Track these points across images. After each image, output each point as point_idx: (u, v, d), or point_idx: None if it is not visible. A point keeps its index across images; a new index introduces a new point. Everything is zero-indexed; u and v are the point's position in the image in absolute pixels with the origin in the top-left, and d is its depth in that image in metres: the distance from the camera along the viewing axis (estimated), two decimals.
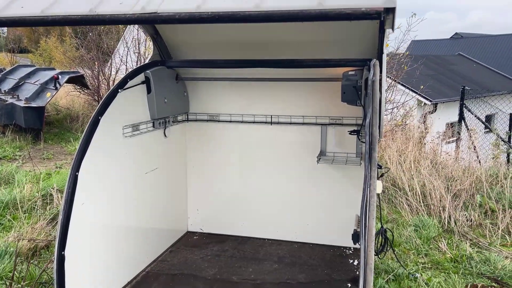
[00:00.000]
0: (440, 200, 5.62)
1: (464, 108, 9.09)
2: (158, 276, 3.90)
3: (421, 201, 5.69)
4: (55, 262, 2.84)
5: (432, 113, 15.15)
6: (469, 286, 3.91)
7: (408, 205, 5.71)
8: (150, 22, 2.20)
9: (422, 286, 3.83)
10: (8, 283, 3.33)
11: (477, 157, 8.00)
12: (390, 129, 7.68)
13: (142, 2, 2.20)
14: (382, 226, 4.04)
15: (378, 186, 3.79)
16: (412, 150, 6.80)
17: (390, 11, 1.99)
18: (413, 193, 5.84)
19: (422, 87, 9.12)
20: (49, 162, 8.34)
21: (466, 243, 4.79)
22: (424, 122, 14.18)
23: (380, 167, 2.85)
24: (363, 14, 1.93)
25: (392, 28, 2.39)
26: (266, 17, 2.03)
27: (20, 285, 3.31)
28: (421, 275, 4.09)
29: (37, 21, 2.31)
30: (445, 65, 20.45)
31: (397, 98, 9.88)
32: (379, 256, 4.06)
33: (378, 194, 4.25)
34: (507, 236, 5.08)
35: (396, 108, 8.81)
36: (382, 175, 2.84)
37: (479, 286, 3.91)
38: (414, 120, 8.59)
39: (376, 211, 4.97)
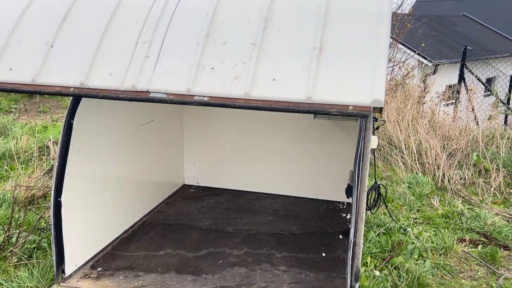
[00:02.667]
0: (435, 159, 5.66)
1: (465, 68, 8.96)
2: (154, 225, 3.98)
3: (416, 160, 5.73)
4: (51, 207, 2.87)
5: (433, 74, 14.98)
6: (457, 239, 3.99)
7: (403, 163, 5.75)
8: (143, 101, 2.19)
9: (412, 239, 3.92)
10: (6, 229, 3.38)
11: (475, 117, 7.98)
12: (390, 87, 7.61)
13: (131, 76, 2.15)
14: (375, 182, 4.08)
15: (373, 141, 3.79)
16: (411, 109, 6.77)
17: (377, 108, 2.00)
18: (409, 151, 5.86)
19: (423, 44, 8.95)
20: (45, 115, 8.30)
21: (458, 200, 4.86)
22: (424, 81, 14.05)
23: (375, 119, 2.83)
24: (350, 114, 1.95)
25: (380, 112, 2.30)
26: (255, 107, 2.03)
27: (18, 231, 3.37)
28: (412, 229, 4.18)
29: (30, 91, 2.28)
30: (448, 26, 20.03)
31: (398, 57, 9.72)
32: (372, 211, 4.12)
33: (373, 150, 4.27)
34: (498, 195, 5.15)
35: (397, 67, 8.69)
36: (377, 128, 2.83)
37: (467, 240, 4.00)
38: (414, 79, 8.49)
39: (370, 167, 5.02)
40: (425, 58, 12.96)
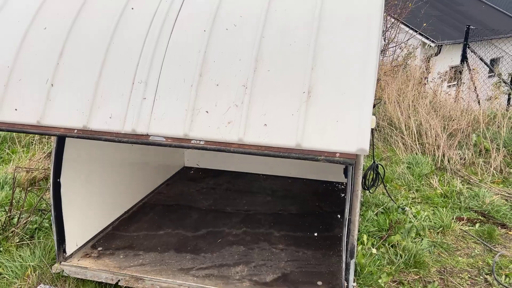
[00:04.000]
0: (436, 139, 5.65)
1: (467, 49, 8.87)
2: (154, 206, 4.02)
3: (417, 140, 5.72)
4: (51, 188, 2.91)
5: (436, 55, 14.83)
6: (455, 218, 4.02)
7: (403, 143, 5.75)
8: (143, 144, 2.27)
9: (410, 218, 3.94)
10: (7, 209, 3.43)
11: (477, 96, 7.93)
12: (390, 68, 7.56)
13: (131, 119, 2.21)
14: (374, 162, 4.09)
15: (372, 121, 3.79)
16: (412, 89, 6.73)
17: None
18: (409, 132, 5.86)
19: (424, 24, 8.83)
20: None
21: (457, 180, 4.87)
22: (429, 61, 13.89)
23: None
24: (337, 161, 2.01)
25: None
26: (248, 153, 2.10)
27: (19, 211, 3.42)
28: (410, 208, 4.20)
29: (37, 132, 2.39)
30: (452, 6, 19.71)
31: (400, 37, 9.61)
32: (370, 190, 4.15)
33: (372, 130, 4.26)
34: (498, 174, 5.16)
35: (399, 48, 8.61)
36: (374, 106, 2.82)
37: (465, 219, 4.02)
38: (416, 60, 8.41)
39: (370, 147, 5.00)
40: (428, 39, 12.80)
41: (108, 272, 2.98)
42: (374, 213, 4.05)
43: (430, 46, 14.38)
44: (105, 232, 3.52)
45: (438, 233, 3.82)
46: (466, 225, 3.97)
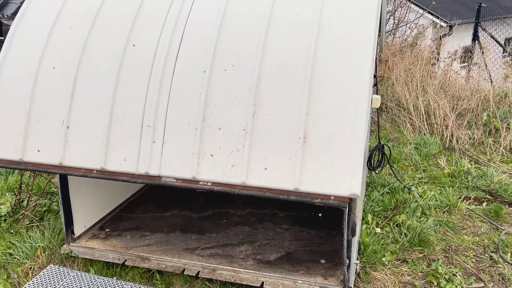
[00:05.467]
0: (444, 119, 5.59)
1: (479, 27, 8.68)
2: (161, 189, 4.06)
3: (425, 121, 5.66)
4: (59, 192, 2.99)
5: (448, 35, 14.54)
6: (462, 197, 3.99)
7: (411, 124, 5.70)
8: (156, 185, 2.45)
9: (416, 198, 3.93)
10: (17, 193, 3.51)
11: (489, 76, 7.78)
12: (399, 49, 7.45)
13: (143, 162, 2.37)
14: (379, 142, 4.07)
15: (376, 101, 3.76)
16: (420, 69, 6.64)
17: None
18: (417, 112, 5.80)
19: (434, 2, 8.63)
20: None
21: (465, 160, 4.83)
22: (440, 41, 13.60)
23: (374, 76, 2.80)
24: (331, 205, 2.15)
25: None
26: (251, 195, 2.24)
27: (28, 194, 3.49)
28: (417, 188, 4.18)
29: (60, 173, 2.56)
30: None
31: (411, 17, 9.41)
32: (376, 171, 4.13)
33: (377, 110, 4.24)
34: (508, 153, 5.09)
35: (408, 28, 8.45)
36: (375, 85, 2.80)
37: (472, 198, 3.99)
38: (425, 40, 8.25)
39: (375, 127, 4.99)
40: (437, 17, 12.53)
41: (115, 252, 3.05)
42: (380, 193, 4.04)
43: (442, 26, 14.10)
44: (112, 214, 3.59)
45: (444, 212, 3.80)
46: (473, 204, 3.95)
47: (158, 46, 2.51)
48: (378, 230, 3.38)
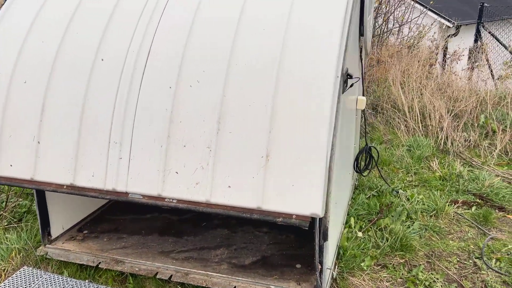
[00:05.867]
0: (440, 121, 5.49)
1: (482, 28, 8.53)
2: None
3: (420, 122, 5.57)
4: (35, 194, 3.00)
5: (454, 36, 14.36)
6: (449, 201, 3.90)
7: (405, 126, 5.61)
8: (123, 201, 2.45)
9: (402, 201, 3.85)
10: None
11: (492, 77, 7.63)
12: (398, 49, 7.34)
13: (110, 178, 2.39)
14: (366, 144, 4.00)
15: (361, 102, 3.69)
16: (418, 70, 6.53)
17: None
18: (412, 114, 5.70)
19: (432, 2, 8.47)
20: None
21: (458, 162, 4.72)
22: (446, 42, 13.40)
23: (350, 76, 2.73)
24: (293, 224, 2.14)
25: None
26: (215, 213, 2.27)
27: (7, 195, 3.48)
28: (406, 191, 4.10)
29: (33, 187, 2.60)
30: None
31: (414, 16, 9.25)
32: (363, 174, 4.06)
33: (362, 111, 4.16)
34: (504, 156, 4.98)
35: (408, 28, 8.33)
36: (351, 85, 2.72)
37: (460, 202, 3.90)
38: (424, 40, 8.12)
39: (369, 129, 4.89)
40: (444, 18, 12.36)
41: (90, 254, 3.02)
42: (367, 196, 3.97)
43: (448, 27, 13.92)
44: (93, 216, 3.56)
45: (431, 216, 3.71)
46: (462, 208, 3.86)
47: (125, 62, 2.50)
48: (359, 234, 3.31)
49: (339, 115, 2.46)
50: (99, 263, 2.94)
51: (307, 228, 2.17)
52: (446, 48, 13.26)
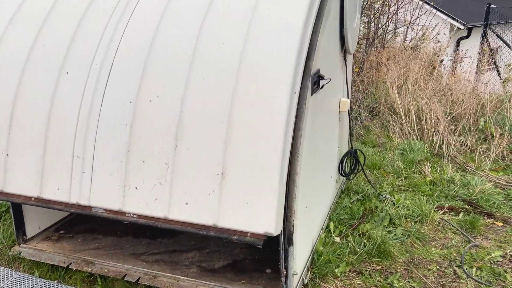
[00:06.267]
0: (436, 125, 5.36)
1: (488, 29, 8.34)
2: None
3: (415, 126, 5.45)
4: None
5: (466, 38, 14.10)
6: (437, 207, 3.79)
7: (401, 129, 5.49)
8: (88, 215, 2.51)
9: (387, 206, 3.75)
10: None
11: (500, 78, 7.45)
12: (398, 51, 7.21)
13: (74, 192, 2.44)
14: (352, 147, 3.92)
15: (344, 104, 3.62)
16: (419, 72, 6.40)
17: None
18: (408, 116, 5.58)
19: (432, 3, 8.28)
20: None
21: (450, 167, 4.60)
22: (458, 45, 13.10)
23: (321, 77, 2.67)
24: (248, 242, 2.16)
25: None
26: (173, 229, 2.30)
27: None
28: (393, 196, 4.00)
29: (2, 199, 2.66)
30: None
31: (423, 18, 9.08)
32: (348, 177, 3.98)
33: (348, 111, 4.07)
34: (500, 161, 4.84)
35: (411, 29, 8.17)
36: (322, 87, 2.64)
37: (446, 207, 3.79)
38: (429, 42, 7.96)
39: (364, 131, 4.78)
40: (447, 15, 12.11)
41: (62, 255, 3.01)
42: (351, 200, 3.88)
43: (459, 28, 13.67)
44: (72, 216, 3.55)
45: (415, 222, 3.61)
46: (449, 214, 3.74)
47: (89, 74, 2.50)
48: (337, 239, 3.24)
49: (305, 120, 2.41)
50: (70, 263, 2.93)
51: (260, 247, 2.17)
52: (457, 50, 13.01)
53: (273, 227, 2.12)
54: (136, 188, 2.34)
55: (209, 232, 2.24)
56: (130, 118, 2.37)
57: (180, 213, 2.26)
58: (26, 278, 2.85)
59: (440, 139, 5.14)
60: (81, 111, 2.47)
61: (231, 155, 2.18)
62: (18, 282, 2.81)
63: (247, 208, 2.15)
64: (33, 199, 2.56)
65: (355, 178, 4.22)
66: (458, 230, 3.51)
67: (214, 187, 2.20)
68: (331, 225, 3.40)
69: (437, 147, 5.07)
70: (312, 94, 2.61)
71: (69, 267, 2.91)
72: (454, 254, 3.21)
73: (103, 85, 2.46)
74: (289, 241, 2.44)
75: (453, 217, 3.70)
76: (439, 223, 3.61)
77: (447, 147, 5.02)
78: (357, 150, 3.93)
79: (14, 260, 3.04)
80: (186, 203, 2.25)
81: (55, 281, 2.85)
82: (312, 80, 2.57)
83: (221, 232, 2.21)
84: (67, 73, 2.56)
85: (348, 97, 3.77)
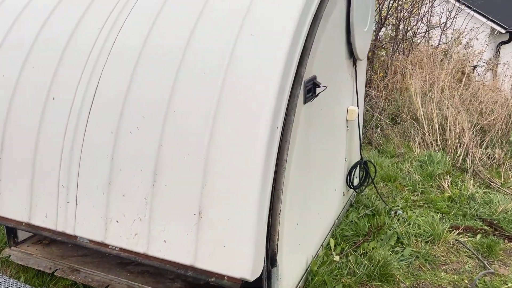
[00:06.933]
0: (461, 135, 5.01)
1: None
2: None
3: (438, 136, 5.11)
4: None
5: (507, 42, 13.42)
6: (452, 227, 3.49)
7: (422, 139, 5.17)
8: (74, 244, 2.48)
9: (396, 223, 3.49)
10: None
11: None
12: (427, 55, 6.83)
13: (61, 221, 2.42)
14: (361, 158, 3.69)
15: (352, 113, 3.40)
16: (445, 79, 6.04)
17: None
18: (430, 126, 5.25)
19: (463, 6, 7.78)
20: None
21: (472, 182, 4.26)
22: (498, 52, 12.47)
23: (318, 85, 2.47)
24: (224, 284, 2.08)
25: None
26: (153, 265, 2.24)
27: None
28: (406, 212, 3.73)
29: None
30: None
31: (459, 21, 8.62)
32: (356, 190, 3.75)
33: (358, 120, 3.83)
34: None
35: (442, 33, 7.77)
36: (317, 95, 2.43)
37: (462, 227, 3.48)
38: (459, 47, 7.52)
39: (384, 140, 4.51)
40: (488, 18, 11.48)
41: (50, 260, 2.94)
42: (360, 215, 3.64)
43: (500, 32, 12.98)
44: None
45: (427, 242, 3.34)
46: (465, 235, 3.44)
47: (73, 102, 2.44)
48: (336, 258, 3.02)
49: (294, 130, 2.24)
50: (56, 270, 2.86)
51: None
52: (497, 55, 12.34)
53: (249, 273, 2.00)
54: (117, 221, 2.29)
55: (187, 271, 2.14)
56: (111, 150, 2.30)
57: (159, 250, 2.19)
58: (11, 283, 2.79)
59: (464, 151, 4.79)
60: (65, 140, 2.43)
61: (208, 194, 2.08)
62: (2, 286, 2.76)
63: (223, 250, 2.04)
64: (24, 224, 2.56)
65: (367, 191, 3.97)
66: (473, 253, 3.21)
67: (191, 227, 2.11)
68: (332, 242, 3.18)
69: (460, 160, 4.73)
70: (305, 103, 2.42)
71: (54, 273, 2.84)
72: (466, 281, 2.92)
73: (87, 113, 2.40)
74: (272, 261, 2.26)
75: (469, 238, 3.40)
76: (452, 244, 3.32)
77: (471, 160, 4.67)
78: (367, 161, 3.69)
79: (3, 263, 3.00)
80: (165, 240, 2.17)
81: None
82: (305, 88, 2.38)
83: (198, 273, 2.11)
84: (53, 98, 2.51)
85: (357, 105, 3.54)
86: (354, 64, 3.39)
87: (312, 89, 2.47)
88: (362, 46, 3.33)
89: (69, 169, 2.41)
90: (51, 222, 2.46)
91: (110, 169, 2.31)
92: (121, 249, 2.29)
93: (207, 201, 2.08)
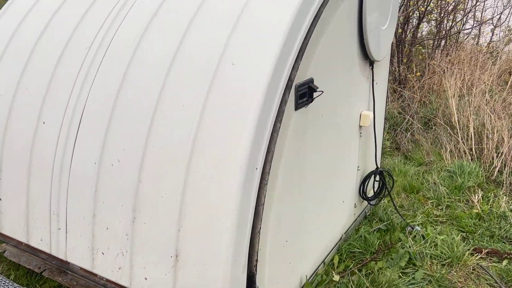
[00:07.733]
0: (500, 144, 4.54)
1: None
2: None
3: (473, 144, 4.67)
4: None
5: None
6: (474, 249, 3.13)
7: (455, 147, 4.74)
8: (67, 269, 2.55)
9: (410, 241, 3.17)
10: None
11: None
12: (469, 54, 6.30)
13: (54, 246, 2.44)
14: (377, 167, 3.39)
15: (366, 119, 3.13)
16: (488, 81, 5.53)
17: None
18: (466, 133, 4.81)
19: None
20: None
21: (506, 198, 3.83)
22: None
23: (315, 90, 2.23)
24: None
25: None
26: None
27: None
28: (425, 228, 3.40)
29: (1, 239, 2.70)
30: None
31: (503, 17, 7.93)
32: (371, 202, 3.46)
33: (374, 126, 3.52)
34: None
35: (490, 30, 7.15)
36: (313, 100, 2.18)
37: (485, 250, 3.11)
38: (510, 44, 6.89)
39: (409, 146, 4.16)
40: None
41: (40, 260, 2.89)
42: (372, 229, 3.35)
43: None
44: None
45: (443, 265, 3.01)
46: (489, 260, 3.07)
47: (61, 128, 2.39)
48: (336, 277, 2.76)
49: (282, 139, 2.04)
50: (44, 270, 2.80)
51: None
52: None
53: None
54: (103, 253, 2.26)
55: None
56: (95, 181, 2.24)
57: (141, 287, 2.14)
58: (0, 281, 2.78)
59: (501, 163, 4.34)
60: (54, 166, 2.39)
61: (184, 237, 1.97)
62: None
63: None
64: (23, 244, 2.58)
65: (385, 202, 3.67)
66: (496, 282, 2.85)
67: (169, 269, 2.03)
68: (336, 258, 2.93)
69: (495, 172, 4.28)
70: (297, 109, 2.19)
71: (43, 274, 2.78)
72: None
73: (73, 141, 2.35)
74: (249, 284, 2.06)
75: (494, 264, 3.03)
76: (473, 269, 2.97)
77: (509, 173, 4.22)
78: (383, 171, 3.39)
79: None
80: (146, 278, 2.12)
81: None
82: (297, 93, 2.15)
83: None
84: (44, 123, 2.46)
85: (374, 110, 3.24)
86: (371, 65, 3.09)
87: (307, 93, 2.23)
88: (379, 47, 3.02)
89: (58, 197, 2.40)
90: (46, 246, 2.48)
91: (94, 201, 2.27)
92: (107, 280, 2.29)
93: (183, 245, 2.00)
